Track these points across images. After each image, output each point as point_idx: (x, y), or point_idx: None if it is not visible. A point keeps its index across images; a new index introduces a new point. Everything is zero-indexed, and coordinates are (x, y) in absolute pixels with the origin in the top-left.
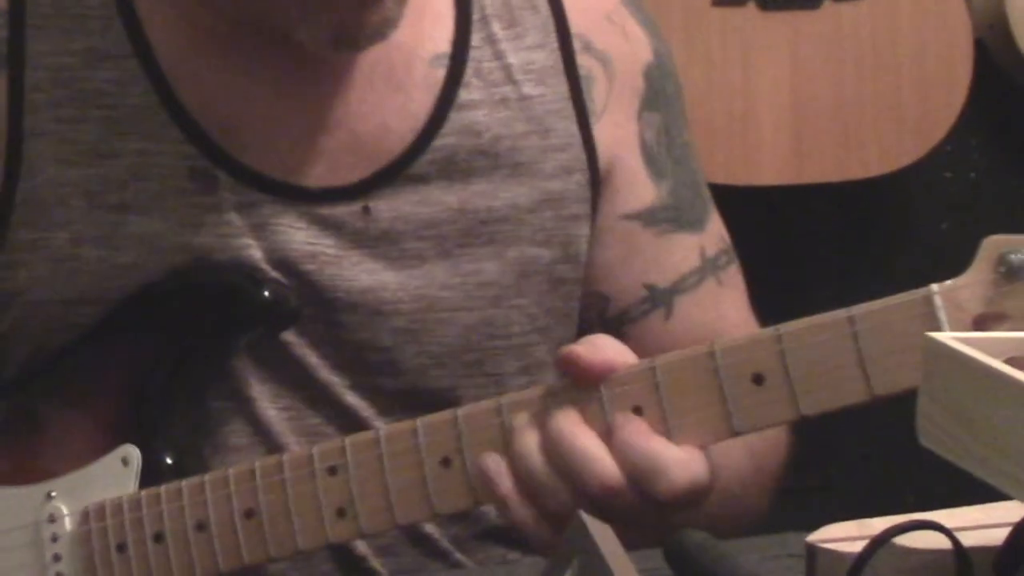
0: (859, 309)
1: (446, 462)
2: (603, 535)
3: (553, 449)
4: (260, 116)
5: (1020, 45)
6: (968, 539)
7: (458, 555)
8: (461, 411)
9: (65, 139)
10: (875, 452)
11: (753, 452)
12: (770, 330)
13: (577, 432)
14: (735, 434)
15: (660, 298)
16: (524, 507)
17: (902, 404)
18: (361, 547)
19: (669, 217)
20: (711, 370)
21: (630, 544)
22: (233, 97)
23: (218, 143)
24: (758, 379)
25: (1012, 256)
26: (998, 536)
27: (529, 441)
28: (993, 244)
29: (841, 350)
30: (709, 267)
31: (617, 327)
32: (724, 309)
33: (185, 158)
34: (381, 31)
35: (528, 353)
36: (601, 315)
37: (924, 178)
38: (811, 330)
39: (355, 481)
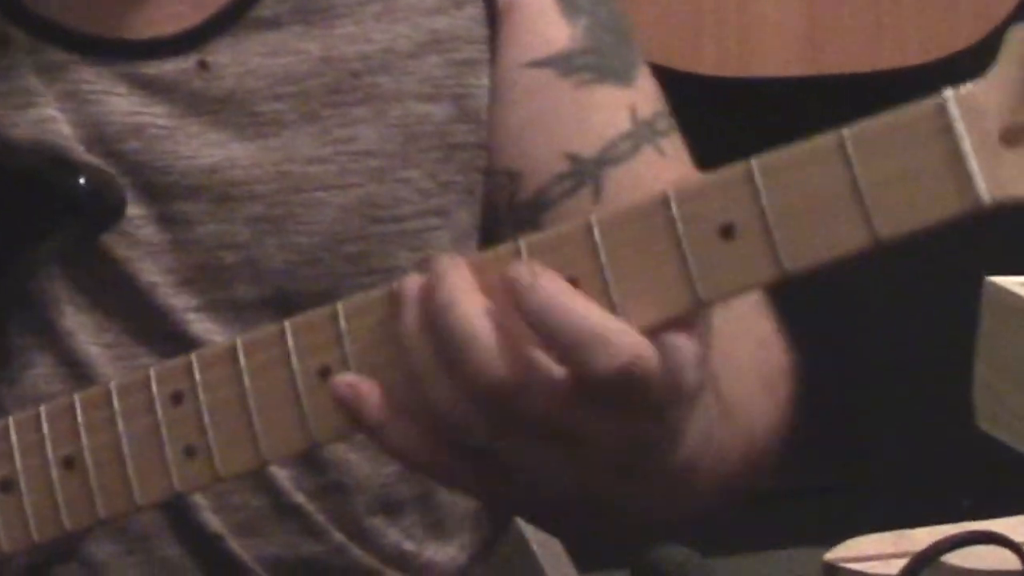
0: (852, 129)
1: (325, 371)
2: (547, 550)
3: (439, 332)
4: None
5: None
6: None
7: (338, 534)
8: (342, 304)
9: None
10: (917, 442)
11: (773, 392)
12: (740, 166)
13: (469, 308)
14: (699, 304)
15: (586, 171)
16: (404, 430)
17: (952, 378)
18: (215, 524)
19: (589, 64)
20: (666, 223)
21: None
22: None
23: None
24: (727, 230)
25: None
26: None
27: (410, 321)
28: (1017, 35)
29: (831, 181)
30: (645, 131)
31: (533, 214)
32: (665, 183)
33: None
34: None
35: (424, 240)
36: (511, 199)
37: (983, 71)
38: (793, 162)
39: (207, 408)
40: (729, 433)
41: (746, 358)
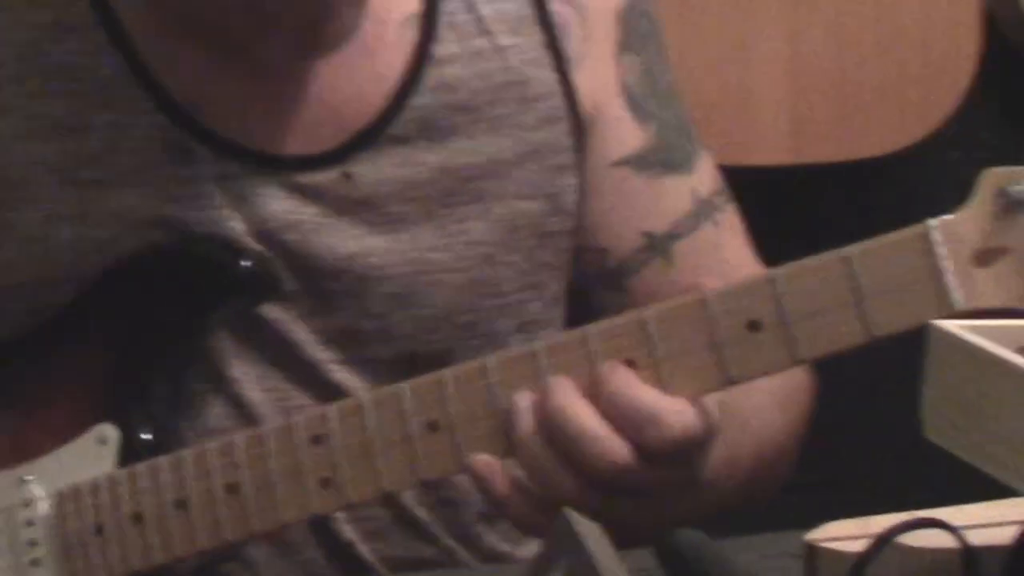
0: (854, 248)
1: (433, 426)
2: (591, 534)
3: (554, 432)
4: (234, 87)
5: None
6: (976, 538)
7: (449, 540)
8: (448, 372)
9: (32, 115)
10: (879, 446)
11: (784, 407)
12: (764, 275)
13: (578, 410)
14: (731, 383)
15: (659, 246)
16: (522, 502)
17: (908, 396)
18: (348, 532)
19: (659, 160)
20: (704, 319)
21: (632, 539)
22: (205, 68)
23: (192, 115)
24: (753, 326)
25: (1012, 188)
26: (1007, 535)
27: (526, 426)
28: (993, 176)
29: (837, 291)
30: (704, 209)
31: (618, 281)
32: (725, 252)
33: (159, 130)
34: (339, 40)
35: (522, 311)
36: (600, 269)
37: (930, 159)
38: (806, 272)
39: (339, 449)
40: (740, 443)
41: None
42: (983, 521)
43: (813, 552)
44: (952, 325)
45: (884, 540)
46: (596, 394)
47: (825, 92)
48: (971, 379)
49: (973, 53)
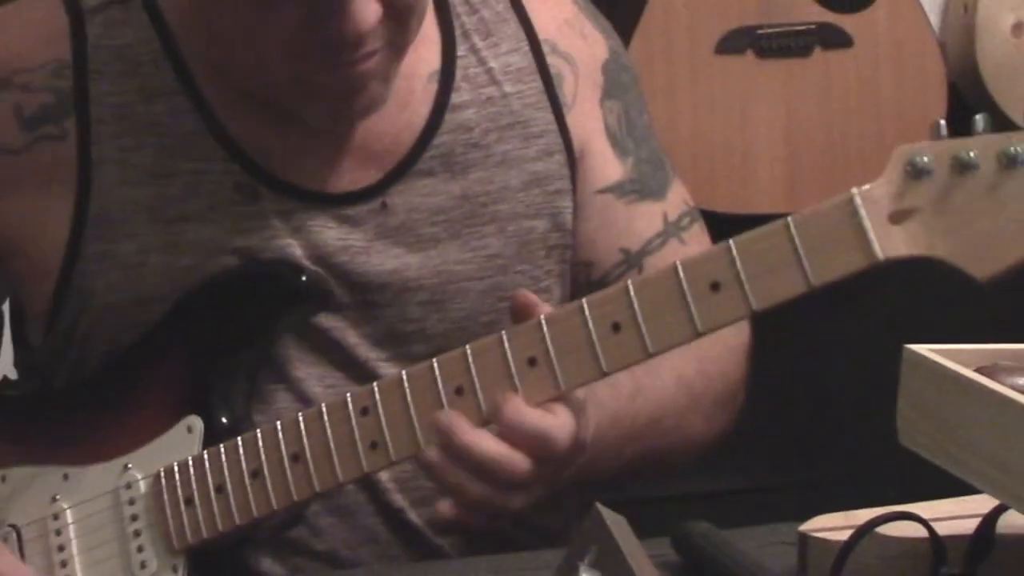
0: (794, 217)
1: (459, 391)
2: (618, 526)
3: (464, 461)
4: (290, 139)
5: (989, 88)
6: (943, 528)
7: None
8: (469, 346)
9: (127, 164)
10: (860, 451)
11: (688, 383)
12: (722, 244)
13: (479, 439)
14: (699, 335)
15: (632, 260)
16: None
17: (886, 409)
18: (399, 500)
19: (635, 188)
20: (676, 284)
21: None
22: (267, 123)
23: (257, 162)
24: (715, 286)
25: (916, 159)
26: (970, 526)
27: (438, 459)
28: (901, 151)
29: (781, 252)
30: (671, 229)
31: (600, 289)
32: None
33: (231, 175)
34: (370, 110)
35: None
36: (587, 279)
37: None
38: (756, 239)
39: (384, 417)
40: (638, 409)
41: (671, 375)
42: (949, 514)
43: (805, 541)
44: (922, 349)
45: (865, 530)
46: (495, 419)
47: (815, 150)
48: (938, 394)
49: (940, 115)
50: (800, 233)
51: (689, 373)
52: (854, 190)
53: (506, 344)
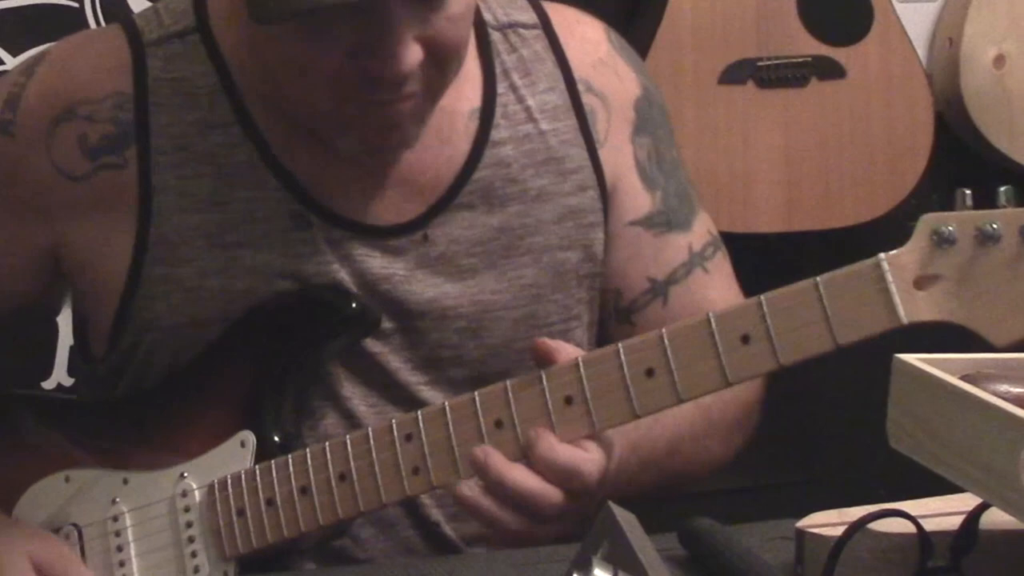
0: (823, 277)
1: (499, 424)
2: (628, 523)
3: (498, 494)
4: (339, 171)
5: (973, 117)
6: (929, 525)
7: None
8: (509, 383)
9: (185, 192)
10: (853, 453)
11: (706, 408)
12: (753, 300)
13: (515, 473)
14: (730, 384)
15: (659, 289)
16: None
17: (878, 414)
18: (436, 515)
19: (663, 221)
20: (708, 335)
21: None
22: (318, 157)
23: (309, 192)
24: (745, 339)
25: (942, 228)
26: (954, 522)
27: (475, 494)
28: (927, 220)
29: (810, 310)
30: (696, 259)
31: (627, 316)
32: (709, 292)
33: (284, 204)
34: (402, 147)
35: (567, 337)
36: (615, 306)
37: (894, 227)
38: (786, 296)
39: (427, 444)
40: (656, 440)
41: (693, 408)
42: (935, 511)
43: (801, 536)
44: (911, 358)
45: (857, 527)
46: (528, 455)
47: (811, 174)
48: (925, 400)
49: (927, 146)
50: (828, 293)
51: (706, 400)
52: (881, 256)
53: (544, 382)
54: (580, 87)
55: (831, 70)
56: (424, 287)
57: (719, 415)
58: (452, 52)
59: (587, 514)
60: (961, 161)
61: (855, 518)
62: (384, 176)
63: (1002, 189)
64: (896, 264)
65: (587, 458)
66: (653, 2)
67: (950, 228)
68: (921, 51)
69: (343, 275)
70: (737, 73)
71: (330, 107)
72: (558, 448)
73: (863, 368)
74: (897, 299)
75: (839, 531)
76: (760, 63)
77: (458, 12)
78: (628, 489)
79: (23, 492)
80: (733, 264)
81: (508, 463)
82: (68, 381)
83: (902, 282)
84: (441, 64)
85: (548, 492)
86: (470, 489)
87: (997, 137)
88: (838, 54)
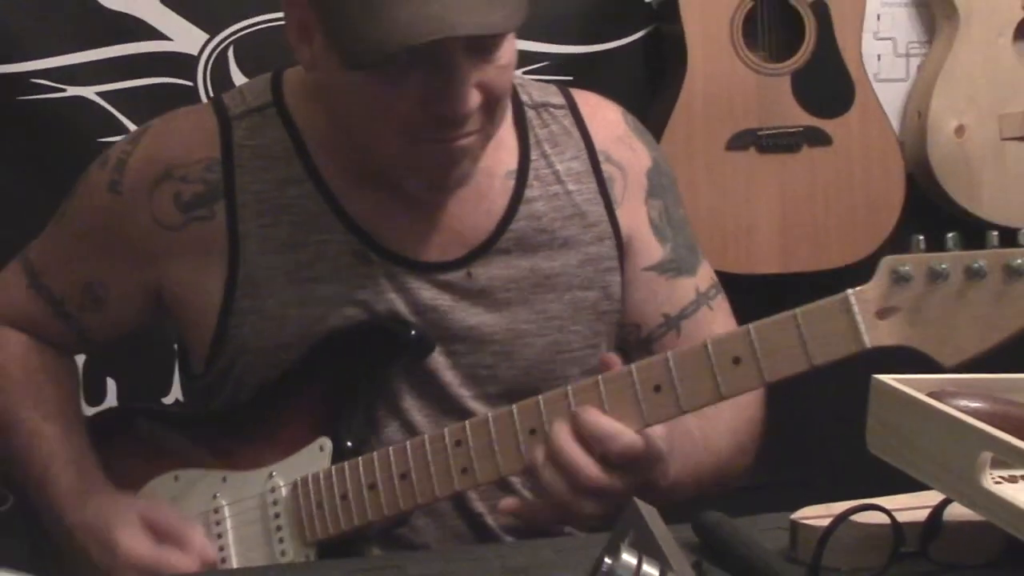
0: (801, 309)
1: (532, 431)
2: (651, 515)
3: (556, 461)
4: (395, 217)
5: (938, 178)
6: (902, 517)
7: None
8: (541, 397)
9: (267, 238)
10: (839, 457)
11: (733, 432)
12: (743, 328)
13: (569, 447)
14: (723, 398)
15: (672, 323)
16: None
17: (858, 424)
18: (480, 507)
19: (673, 267)
20: (706, 357)
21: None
22: (378, 203)
23: (370, 234)
24: (736, 360)
25: (899, 267)
26: (923, 515)
27: (540, 454)
28: (887, 261)
29: (789, 337)
30: (702, 299)
31: (646, 345)
32: (714, 326)
33: (349, 244)
34: (462, 182)
35: (586, 362)
36: (636, 337)
37: (870, 269)
38: (770, 325)
39: (473, 448)
40: (703, 461)
41: (721, 416)
42: (907, 506)
43: (795, 526)
44: (886, 378)
45: (842, 518)
46: (574, 421)
47: (803, 225)
48: (898, 413)
49: (900, 201)
50: (805, 322)
51: (737, 425)
52: (849, 291)
53: (571, 397)
54: (600, 157)
55: (820, 138)
56: (467, 315)
57: (746, 436)
58: (502, 95)
59: (625, 498)
60: (928, 213)
61: (840, 511)
62: (433, 222)
63: (949, 235)
64: (861, 298)
65: (620, 429)
66: (671, 84)
67: (906, 268)
68: (895, 122)
69: (399, 304)
70: (741, 141)
71: (400, 149)
72: (600, 416)
73: (846, 387)
74: (862, 327)
75: (827, 522)
76: (760, 132)
77: (507, 62)
78: (668, 498)
79: (140, 487)
80: (738, 297)
81: (565, 433)
82: (183, 398)
83: (866, 313)
84: (492, 107)
85: (587, 461)
86: (537, 456)
87: (958, 194)
88: (825, 125)
